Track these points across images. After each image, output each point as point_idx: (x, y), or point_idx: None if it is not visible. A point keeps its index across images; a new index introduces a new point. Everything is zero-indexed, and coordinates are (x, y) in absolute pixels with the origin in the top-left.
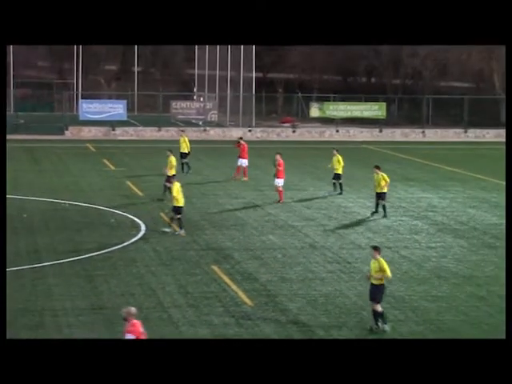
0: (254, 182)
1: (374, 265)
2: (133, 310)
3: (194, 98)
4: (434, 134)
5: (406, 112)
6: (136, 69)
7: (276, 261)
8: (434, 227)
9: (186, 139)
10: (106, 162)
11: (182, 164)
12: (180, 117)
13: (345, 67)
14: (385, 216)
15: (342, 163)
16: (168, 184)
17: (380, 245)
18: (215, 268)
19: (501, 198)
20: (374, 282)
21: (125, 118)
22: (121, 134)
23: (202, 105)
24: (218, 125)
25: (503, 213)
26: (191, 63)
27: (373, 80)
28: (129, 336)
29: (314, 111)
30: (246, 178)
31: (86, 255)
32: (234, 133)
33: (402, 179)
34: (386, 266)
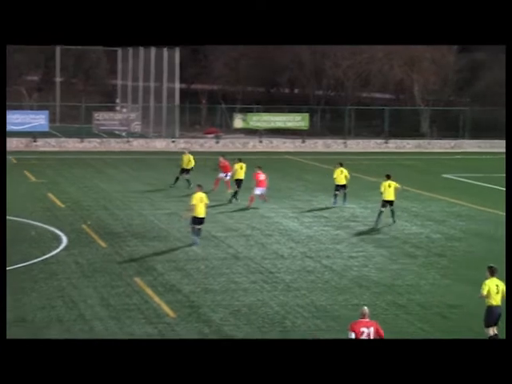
0: (177, 193)
1: None
2: (365, 309)
3: (117, 108)
4: (355, 145)
5: (328, 123)
6: (58, 79)
7: (199, 272)
8: (355, 237)
9: (191, 157)
10: (27, 173)
11: (177, 178)
12: (103, 128)
13: (268, 78)
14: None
15: (346, 174)
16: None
17: (302, 255)
18: (137, 280)
19: (420, 208)
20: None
21: (47, 129)
22: (42, 145)
23: (125, 116)
24: (142, 136)
25: (424, 222)
26: (114, 74)
27: (296, 91)
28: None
29: (238, 122)
30: (230, 190)
31: (7, 268)
32: (158, 144)
33: (323, 189)
34: (482, 286)
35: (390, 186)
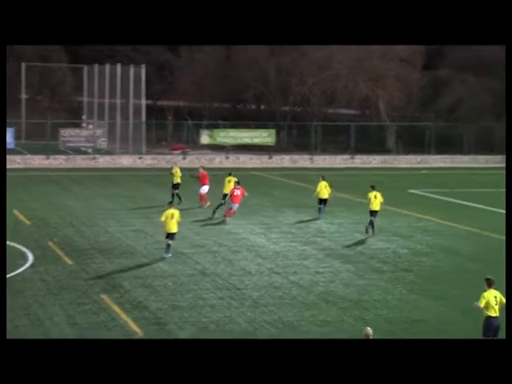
0: (143, 210)
1: None
2: (369, 330)
3: (83, 125)
4: (322, 161)
5: (294, 139)
6: (23, 96)
7: (166, 288)
8: (322, 252)
9: (178, 170)
10: None
11: (173, 194)
12: (69, 144)
13: (234, 94)
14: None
15: (328, 189)
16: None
17: (269, 271)
18: (104, 297)
19: (387, 223)
20: None
21: (12, 147)
22: (7, 162)
23: (91, 132)
24: (108, 152)
25: (390, 237)
26: (80, 91)
27: (262, 107)
28: None
29: (205, 138)
30: (205, 204)
31: None
32: (124, 160)
33: (290, 205)
34: (480, 298)
35: (376, 197)
